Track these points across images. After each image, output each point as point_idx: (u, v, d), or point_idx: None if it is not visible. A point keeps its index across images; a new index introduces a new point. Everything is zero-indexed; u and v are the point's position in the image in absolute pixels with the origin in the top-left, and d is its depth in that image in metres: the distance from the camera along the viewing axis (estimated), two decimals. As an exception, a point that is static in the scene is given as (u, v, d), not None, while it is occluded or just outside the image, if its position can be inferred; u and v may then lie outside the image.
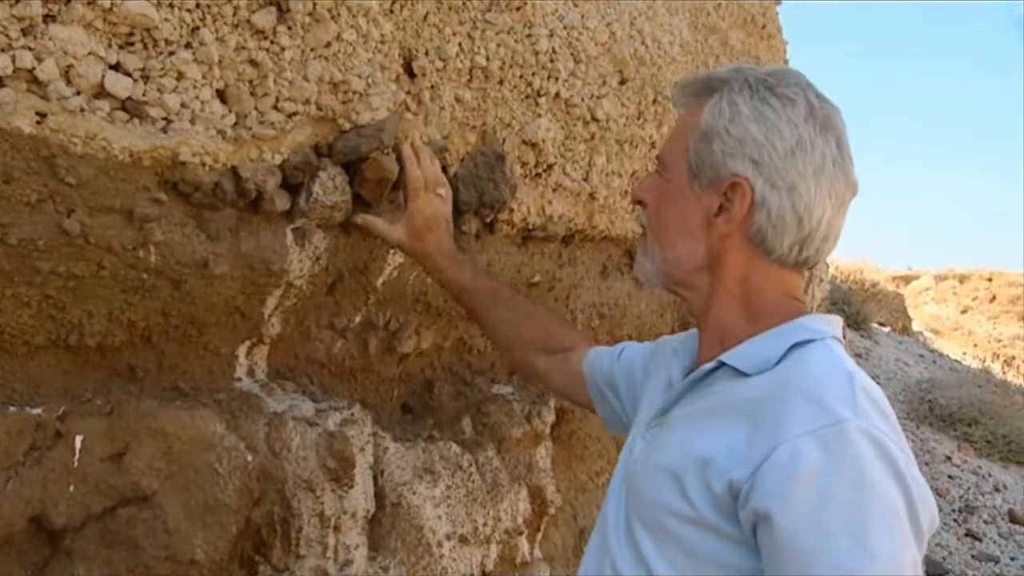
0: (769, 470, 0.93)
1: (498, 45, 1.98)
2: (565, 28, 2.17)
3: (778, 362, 1.06)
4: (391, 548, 1.85)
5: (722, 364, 1.10)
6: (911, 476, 0.94)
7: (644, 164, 2.60)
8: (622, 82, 2.41)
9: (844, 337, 1.18)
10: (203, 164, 1.49)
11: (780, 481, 0.92)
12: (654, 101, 2.56)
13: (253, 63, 1.53)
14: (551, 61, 2.12)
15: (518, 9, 2.01)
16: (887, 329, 12.28)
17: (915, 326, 15.41)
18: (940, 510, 6.30)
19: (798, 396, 0.98)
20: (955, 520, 6.23)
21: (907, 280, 19.05)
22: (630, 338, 2.48)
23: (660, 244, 1.17)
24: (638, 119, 2.52)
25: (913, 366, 9.69)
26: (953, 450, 7.34)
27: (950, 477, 6.84)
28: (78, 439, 1.36)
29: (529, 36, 2.05)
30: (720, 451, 1.00)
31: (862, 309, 10.51)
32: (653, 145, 2.70)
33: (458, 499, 2.00)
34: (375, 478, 1.83)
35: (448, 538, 1.94)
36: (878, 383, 5.01)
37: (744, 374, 1.07)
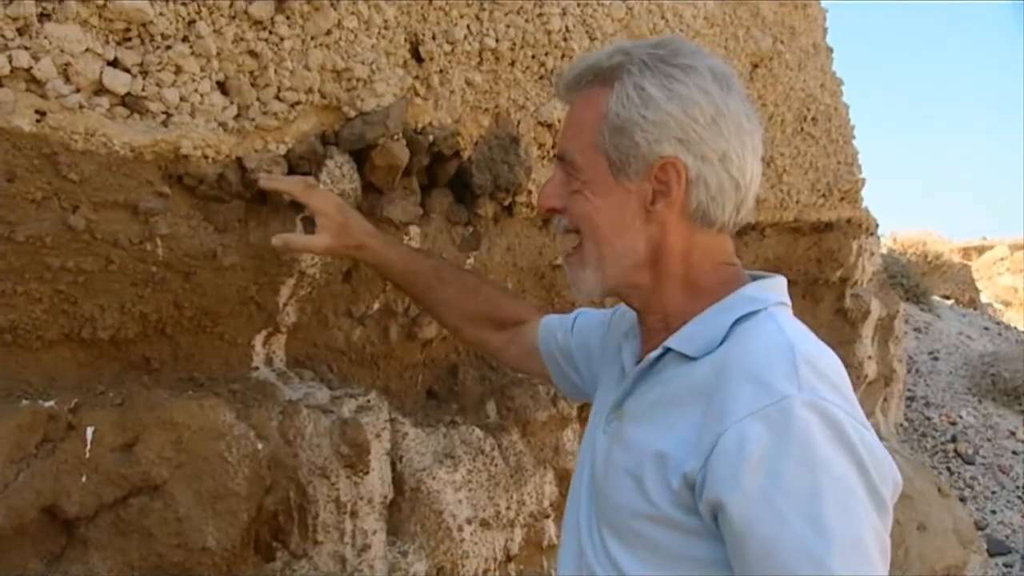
0: (718, 458, 0.91)
1: (507, 26, 1.96)
2: (579, 5, 2.13)
3: (722, 341, 1.02)
4: (410, 533, 1.85)
5: (668, 350, 1.06)
6: (863, 443, 0.90)
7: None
8: (642, 58, 2.36)
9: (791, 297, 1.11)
10: (205, 156, 1.50)
11: (729, 468, 0.90)
12: (678, 76, 2.51)
13: (252, 54, 1.53)
14: (564, 40, 2.09)
15: (528, -12, 1.98)
16: (950, 302, 11.94)
17: (984, 298, 14.93)
18: (1003, 487, 6.12)
19: (740, 377, 0.95)
20: (1019, 497, 6.04)
21: (980, 251, 18.40)
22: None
23: (598, 248, 1.10)
24: (661, 95, 2.47)
25: (977, 339, 9.37)
26: (1017, 425, 7.10)
27: (1014, 453, 6.62)
28: (89, 430, 1.38)
29: (540, 15, 2.02)
30: (673, 444, 0.98)
31: (922, 282, 10.20)
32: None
33: (480, 483, 2.00)
34: (393, 464, 1.84)
35: (469, 522, 1.94)
36: (937, 358, 4.86)
37: (690, 358, 1.04)
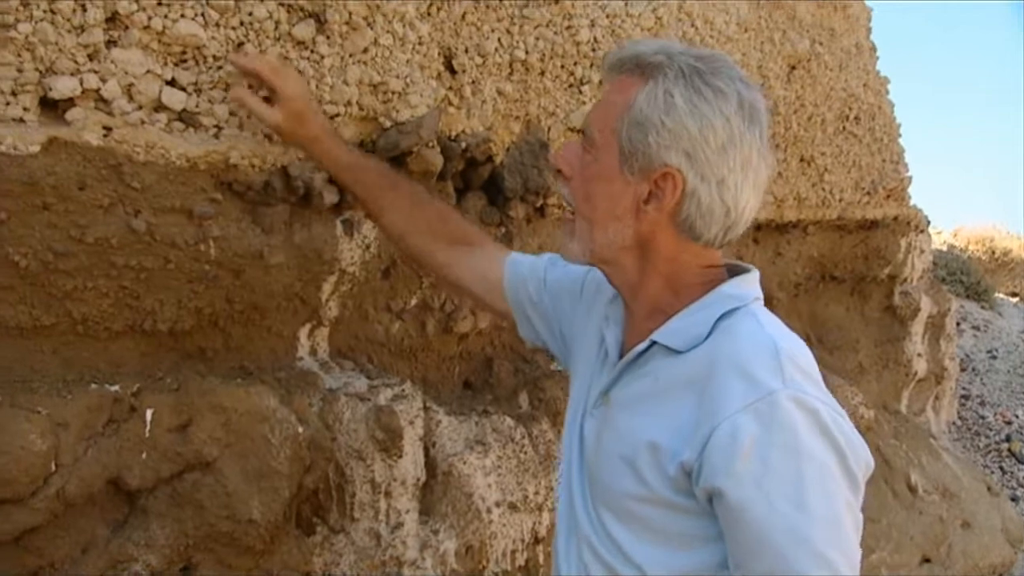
0: (714, 449, 1.01)
1: (537, 38, 2.07)
2: (608, 16, 2.23)
3: (708, 335, 1.10)
4: (441, 513, 1.99)
5: (654, 343, 1.14)
6: (839, 430, 1.01)
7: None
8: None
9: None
10: (253, 165, 1.65)
11: (725, 459, 1.00)
12: (708, 81, 2.59)
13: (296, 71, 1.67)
14: (593, 50, 2.19)
15: (557, 2, 2.09)
16: (1015, 300, 11.63)
17: (1058, 295, 14.44)
18: (1060, 488, 6.00)
19: (730, 372, 1.04)
20: (1077, 500, 5.93)
21: (1064, 246, 17.65)
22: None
23: (589, 223, 1.17)
24: (691, 100, 2.56)
25: (1040, 338, 9.15)
26: (1080, 428, 6.95)
27: (1075, 455, 6.48)
28: (149, 412, 1.55)
29: (569, 28, 2.13)
30: (666, 434, 1.07)
31: (983, 279, 9.97)
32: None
33: (509, 469, 2.12)
34: (426, 449, 1.98)
35: (498, 505, 2.07)
36: (996, 356, 4.80)
37: (677, 351, 1.12)
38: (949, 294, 5.87)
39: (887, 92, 4.13)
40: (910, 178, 4.47)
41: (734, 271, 1.19)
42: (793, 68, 3.26)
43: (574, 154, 1.20)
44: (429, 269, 1.65)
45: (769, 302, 3.89)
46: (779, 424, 0.99)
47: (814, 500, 0.98)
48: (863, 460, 1.03)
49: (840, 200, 3.97)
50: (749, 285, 1.17)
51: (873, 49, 3.92)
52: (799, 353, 1.07)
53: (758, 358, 1.05)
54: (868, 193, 4.18)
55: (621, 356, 1.21)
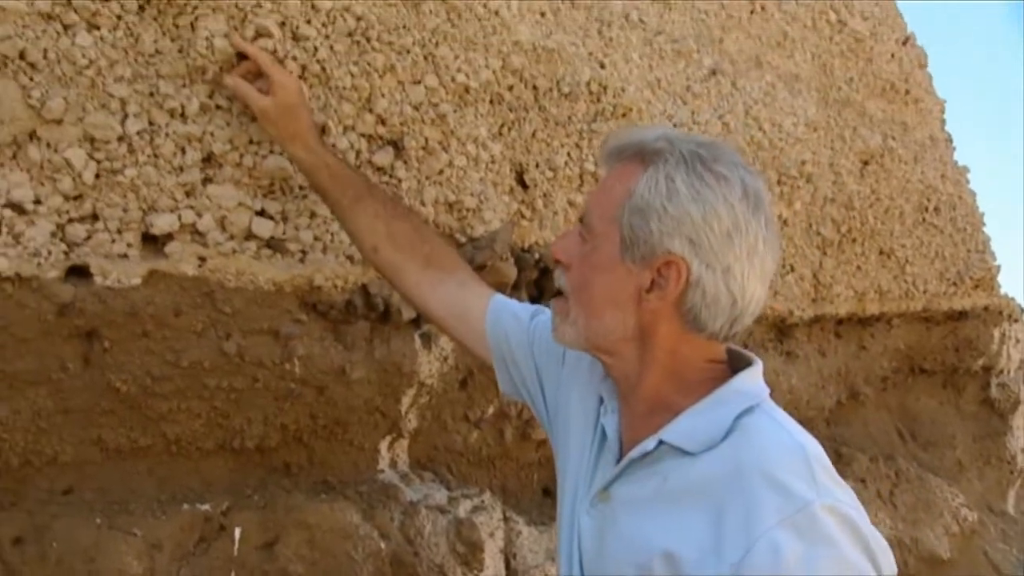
0: (752, 567, 0.95)
1: (605, 151, 2.13)
2: (675, 126, 2.29)
3: (725, 437, 1.05)
4: (524, 629, 1.96)
5: (661, 442, 1.08)
6: (871, 537, 0.98)
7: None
8: (741, 168, 2.49)
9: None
10: (335, 286, 1.73)
11: None
12: (778, 182, 2.61)
13: (375, 196, 1.76)
14: (661, 159, 2.24)
15: (624, 115, 2.16)
16: None
17: None
18: None
19: (759, 481, 0.99)
20: None
21: None
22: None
23: (585, 312, 1.14)
24: (763, 201, 2.58)
25: None
26: None
27: None
28: (237, 531, 1.59)
29: (637, 139, 2.19)
30: (685, 544, 1.01)
31: (1089, 365, 9.51)
32: (786, 223, 2.74)
33: (591, 582, 2.09)
34: (507, 561, 1.96)
35: (581, 620, 2.03)
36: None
37: (688, 452, 1.06)
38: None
39: (967, 182, 4.07)
40: (998, 267, 4.35)
41: (734, 359, 1.14)
42: (866, 163, 3.25)
43: (573, 243, 1.17)
44: (397, 286, 1.56)
45: (855, 397, 3.78)
46: (821, 539, 0.95)
47: None
48: (891, 567, 0.99)
49: (924, 292, 3.89)
50: (756, 380, 1.12)
51: (949, 140, 3.89)
52: (823, 454, 1.04)
53: (788, 465, 1.01)
54: (954, 284, 4.08)
55: (620, 448, 1.15)
